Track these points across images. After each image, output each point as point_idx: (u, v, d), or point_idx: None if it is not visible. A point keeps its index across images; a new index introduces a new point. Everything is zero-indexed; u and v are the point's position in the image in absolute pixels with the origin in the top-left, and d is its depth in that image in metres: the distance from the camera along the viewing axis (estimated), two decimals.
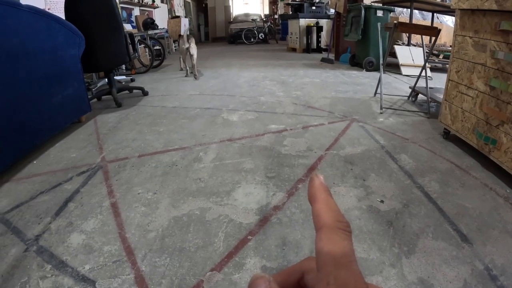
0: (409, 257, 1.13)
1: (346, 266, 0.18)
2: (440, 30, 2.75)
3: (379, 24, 3.29)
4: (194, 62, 4.75)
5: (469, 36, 1.96)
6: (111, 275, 1.09)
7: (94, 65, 3.21)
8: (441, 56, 5.48)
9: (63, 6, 2.94)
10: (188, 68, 5.21)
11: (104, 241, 1.27)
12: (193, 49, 4.69)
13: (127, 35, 3.38)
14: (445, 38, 7.18)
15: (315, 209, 0.21)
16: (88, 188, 1.67)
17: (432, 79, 4.38)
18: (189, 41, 4.75)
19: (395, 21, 2.85)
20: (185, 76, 5.06)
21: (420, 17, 8.37)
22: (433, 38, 2.76)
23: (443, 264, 1.10)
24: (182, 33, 5.84)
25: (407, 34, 5.96)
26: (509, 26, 1.60)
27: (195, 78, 4.79)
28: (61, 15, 2.88)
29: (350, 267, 0.18)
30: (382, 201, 1.47)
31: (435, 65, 5.10)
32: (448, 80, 2.17)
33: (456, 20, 2.10)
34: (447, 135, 2.22)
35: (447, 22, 8.17)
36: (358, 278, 0.18)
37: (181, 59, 5.40)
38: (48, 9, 4.61)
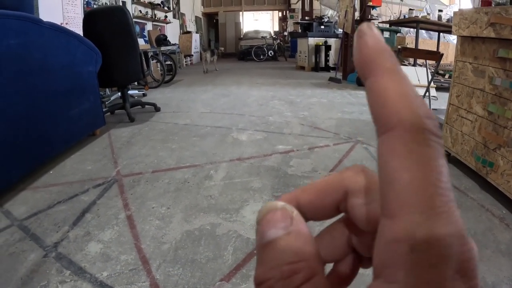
0: None
1: (445, 213, 0.11)
2: (442, 54, 2.86)
3: None
4: (215, 64, 8.69)
5: (469, 62, 2.06)
6: (127, 282, 1.19)
7: (110, 81, 3.38)
8: (446, 76, 5.57)
9: (80, 21, 3.12)
10: (207, 68, 8.34)
11: (121, 250, 1.37)
12: (215, 59, 8.59)
13: (142, 53, 3.54)
14: (452, 58, 7.27)
15: (379, 87, 0.13)
16: (104, 201, 1.79)
17: (437, 99, 4.47)
18: (211, 55, 8.39)
19: (399, 46, 2.97)
20: (204, 73, 8.13)
21: (427, 37, 8.50)
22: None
23: None
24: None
25: None
26: (506, 54, 1.69)
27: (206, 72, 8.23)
28: (78, 30, 3.06)
29: (452, 213, 0.11)
30: None
31: (441, 85, 5.19)
32: (449, 104, 2.26)
33: (456, 46, 2.20)
34: (448, 157, 2.30)
35: (454, 41, 8.27)
36: (463, 234, 0.11)
37: (204, 64, 8.37)
38: (66, 24, 4.82)
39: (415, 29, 5.48)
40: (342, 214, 0.16)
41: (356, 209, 0.15)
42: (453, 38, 8.22)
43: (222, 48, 10.83)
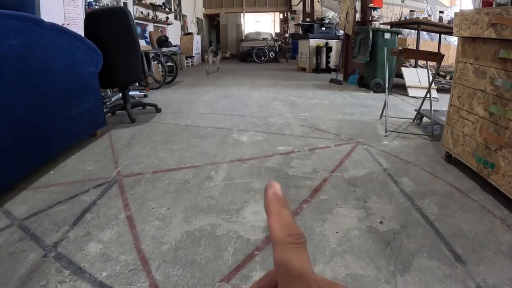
0: (404, 275, 1.21)
1: (300, 278, 0.19)
2: (443, 56, 2.85)
3: (385, 48, 3.41)
4: (217, 64, 9.00)
5: (470, 63, 2.05)
6: (127, 282, 1.19)
7: (111, 82, 3.38)
8: (447, 77, 5.57)
9: (81, 22, 3.12)
10: (207, 68, 8.56)
11: (121, 250, 1.37)
12: (217, 60, 8.91)
13: (143, 54, 3.54)
14: (453, 59, 7.27)
15: (269, 223, 0.22)
16: (104, 201, 1.79)
17: (438, 100, 4.47)
18: (214, 56, 8.73)
19: (400, 47, 2.97)
20: (207, 74, 8.32)
21: (428, 38, 8.50)
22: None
23: (436, 282, 1.18)
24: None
25: None
26: (507, 54, 1.69)
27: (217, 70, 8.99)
28: (79, 30, 3.06)
29: (304, 277, 0.19)
30: (381, 222, 1.56)
31: (442, 86, 5.19)
32: (450, 105, 2.26)
33: (457, 47, 2.19)
34: (449, 158, 2.30)
35: (455, 42, 8.27)
36: (312, 286, 0.20)
37: (208, 64, 8.57)
38: (67, 24, 4.84)
39: (416, 31, 5.48)
40: None
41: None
42: (454, 40, 8.22)
43: (229, 52, 10.89)
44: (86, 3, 5.43)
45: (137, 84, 5.65)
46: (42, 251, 1.36)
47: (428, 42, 8.17)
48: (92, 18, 3.15)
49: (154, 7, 8.66)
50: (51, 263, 1.29)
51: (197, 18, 14.44)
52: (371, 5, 6.41)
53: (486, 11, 1.82)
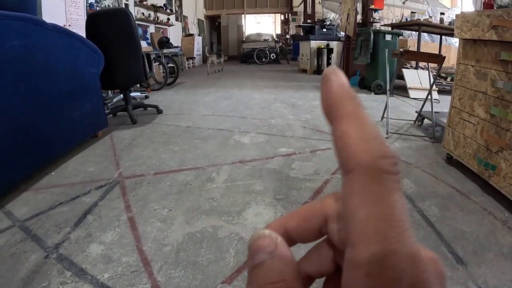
0: None
1: (398, 242, 0.12)
2: (444, 57, 2.85)
3: (386, 50, 3.41)
4: (221, 65, 9.30)
5: (471, 65, 2.06)
6: (129, 283, 1.19)
7: (112, 83, 3.39)
8: (448, 79, 5.57)
9: (83, 23, 3.13)
10: (217, 70, 9.16)
11: (122, 252, 1.37)
12: (220, 61, 9.00)
13: (144, 55, 3.55)
14: (454, 61, 7.27)
15: (340, 133, 0.14)
16: (106, 202, 1.79)
17: (439, 102, 4.47)
18: (218, 58, 8.92)
19: (401, 49, 2.97)
20: (207, 75, 8.52)
21: (429, 40, 8.50)
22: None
23: None
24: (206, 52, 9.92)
25: None
26: (508, 56, 1.69)
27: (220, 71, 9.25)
28: (81, 32, 3.07)
29: (404, 242, 0.12)
30: None
31: (443, 88, 5.19)
32: (451, 107, 2.26)
33: (459, 49, 2.20)
34: (450, 160, 2.30)
35: (456, 44, 8.27)
36: (415, 259, 0.12)
37: (208, 66, 8.88)
38: (69, 25, 4.84)
39: (417, 32, 5.48)
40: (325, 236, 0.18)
41: (333, 234, 0.16)
42: (455, 41, 8.23)
43: (226, 56, 11.13)
44: (88, 4, 5.44)
45: (138, 85, 5.67)
46: (44, 252, 1.36)
47: (429, 43, 8.17)
48: (94, 19, 3.16)
49: (155, 8, 8.67)
50: (52, 264, 1.30)
51: (198, 19, 14.46)
52: (372, 6, 6.41)
53: (487, 13, 1.82)
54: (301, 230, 0.17)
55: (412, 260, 0.12)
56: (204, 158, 2.41)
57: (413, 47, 6.89)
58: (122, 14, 3.19)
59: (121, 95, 4.36)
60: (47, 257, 1.34)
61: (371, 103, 4.51)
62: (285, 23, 17.54)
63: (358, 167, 0.13)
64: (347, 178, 0.13)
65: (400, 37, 5.79)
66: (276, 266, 0.15)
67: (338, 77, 0.15)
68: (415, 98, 4.78)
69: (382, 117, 3.51)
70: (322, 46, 8.15)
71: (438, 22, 5.47)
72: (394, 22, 7.55)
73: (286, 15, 17.12)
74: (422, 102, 3.21)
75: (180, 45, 10.18)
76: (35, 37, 2.04)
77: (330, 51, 8.27)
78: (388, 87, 3.17)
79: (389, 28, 5.85)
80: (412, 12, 5.91)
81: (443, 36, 6.39)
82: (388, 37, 5.22)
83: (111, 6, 6.29)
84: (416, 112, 3.39)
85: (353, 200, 0.13)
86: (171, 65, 7.04)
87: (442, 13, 5.79)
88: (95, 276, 1.23)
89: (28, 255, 1.34)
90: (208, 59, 8.90)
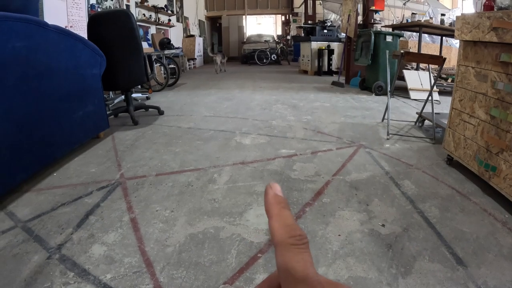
0: (406, 277, 1.22)
1: (303, 280, 0.19)
2: (445, 59, 2.86)
3: (387, 51, 3.42)
4: (224, 65, 9.90)
5: (472, 67, 2.06)
6: (131, 284, 1.20)
7: (114, 84, 3.40)
8: (449, 80, 5.57)
9: (84, 24, 3.14)
10: (219, 69, 9.51)
11: (125, 253, 1.38)
12: (224, 61, 9.69)
13: (146, 56, 3.56)
14: (454, 62, 7.27)
15: (270, 225, 0.21)
16: (108, 203, 1.80)
17: (440, 103, 4.48)
18: (223, 58, 9.62)
19: (402, 51, 2.98)
20: (216, 73, 9.17)
21: (430, 41, 8.50)
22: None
23: (437, 285, 1.19)
24: (209, 52, 10.54)
25: None
26: (508, 58, 1.70)
27: (224, 71, 9.82)
28: (82, 33, 3.08)
29: (307, 280, 0.19)
30: (383, 225, 1.57)
31: (443, 89, 5.19)
32: (452, 108, 2.27)
33: (459, 51, 2.20)
34: (450, 161, 2.31)
35: (456, 45, 8.27)
36: None
37: (216, 65, 9.38)
38: (70, 27, 4.86)
39: (418, 33, 5.49)
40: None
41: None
42: (455, 42, 8.23)
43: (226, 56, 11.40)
44: (89, 6, 5.46)
45: (139, 86, 5.68)
46: (46, 253, 1.37)
47: (430, 44, 8.17)
48: (95, 20, 3.17)
49: (156, 9, 8.69)
50: (55, 265, 1.30)
51: (199, 20, 14.48)
52: (373, 7, 6.43)
53: (487, 15, 1.83)
54: None
55: None
56: (205, 159, 2.42)
57: (414, 48, 6.89)
58: (123, 15, 3.20)
59: (123, 96, 4.39)
60: (50, 257, 1.34)
61: (372, 104, 4.52)
62: (286, 24, 17.59)
63: (277, 243, 0.20)
64: (275, 250, 0.20)
65: (401, 38, 5.79)
66: None
67: (272, 190, 0.23)
68: (415, 99, 4.79)
69: (383, 118, 3.52)
70: (323, 47, 8.16)
71: (439, 23, 5.48)
72: (394, 23, 7.56)
73: (287, 16, 17.17)
74: (423, 103, 3.21)
75: (181, 46, 10.21)
76: (37, 39, 2.05)
77: (331, 52, 8.28)
78: (389, 88, 3.18)
79: (390, 29, 5.86)
80: (412, 13, 5.92)
81: (443, 37, 6.39)
82: (389, 38, 5.23)
83: (112, 7, 6.30)
84: (416, 113, 3.40)
85: (277, 261, 0.20)
86: (172, 66, 7.05)
87: (442, 14, 5.80)
88: (97, 276, 1.24)
89: (31, 256, 1.35)
90: (214, 59, 9.47)
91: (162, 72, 6.47)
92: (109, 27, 3.16)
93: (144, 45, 6.90)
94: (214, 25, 17.73)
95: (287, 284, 0.19)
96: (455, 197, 1.85)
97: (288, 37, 16.57)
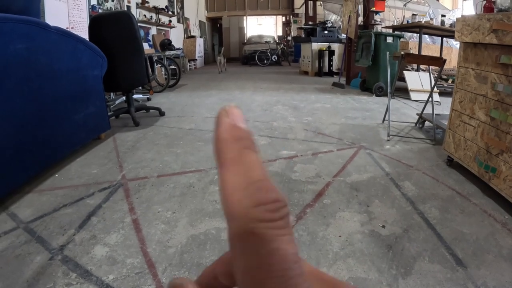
0: (406, 278, 1.23)
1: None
2: (445, 60, 2.87)
3: (387, 52, 3.43)
4: (224, 66, 10.06)
5: (472, 68, 2.07)
6: (133, 285, 1.21)
7: (115, 85, 3.40)
8: (450, 81, 5.58)
9: (85, 26, 3.14)
10: (221, 69, 9.85)
11: (127, 254, 1.39)
12: (223, 60, 9.84)
13: (147, 58, 3.57)
14: (455, 62, 7.27)
15: (221, 181, 0.14)
16: (109, 204, 1.81)
17: (440, 104, 4.48)
18: (224, 58, 9.95)
19: (402, 52, 2.99)
20: (219, 73, 9.69)
21: (430, 42, 8.52)
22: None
23: (437, 285, 1.19)
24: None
25: None
26: (508, 60, 1.71)
27: (225, 70, 10.12)
28: (83, 34, 3.09)
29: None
30: (383, 226, 1.58)
31: (444, 89, 5.20)
32: (452, 109, 2.28)
33: (459, 52, 2.21)
34: (451, 163, 2.32)
35: (457, 46, 8.27)
36: None
37: (219, 65, 9.82)
38: (72, 28, 4.87)
39: (419, 34, 5.50)
40: None
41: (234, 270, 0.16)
42: (456, 43, 8.23)
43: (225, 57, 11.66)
44: (90, 7, 5.48)
45: (140, 87, 5.69)
46: (49, 254, 1.38)
47: (430, 45, 8.19)
48: (97, 22, 3.18)
49: (157, 10, 8.71)
50: (57, 266, 1.31)
51: (200, 21, 14.50)
52: (373, 8, 6.44)
53: (487, 16, 1.84)
54: (227, 274, 0.17)
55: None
56: (206, 161, 2.43)
57: (414, 49, 6.91)
58: (125, 17, 3.21)
59: (124, 97, 4.40)
60: (52, 258, 1.35)
61: (372, 105, 4.53)
62: (286, 24, 17.59)
63: (231, 220, 0.13)
64: (228, 232, 0.13)
65: (401, 39, 5.80)
66: None
67: (229, 118, 0.15)
68: (416, 100, 4.79)
69: (384, 120, 3.53)
70: (324, 48, 8.16)
71: (439, 24, 5.49)
72: (395, 24, 7.57)
73: (288, 16, 17.17)
74: (423, 104, 3.22)
75: (182, 47, 10.22)
76: (38, 40, 2.06)
77: (331, 53, 8.29)
78: (389, 90, 3.19)
79: (390, 30, 5.87)
80: (413, 14, 5.93)
81: (444, 38, 6.40)
82: (389, 39, 5.23)
83: (113, 8, 6.32)
84: (417, 114, 3.40)
85: (233, 252, 0.13)
86: (173, 67, 7.06)
87: (443, 15, 5.81)
88: (100, 277, 1.25)
89: (33, 257, 1.36)
90: (217, 59, 9.97)
91: (163, 73, 6.48)
92: (110, 29, 3.17)
93: (145, 46, 6.91)
94: (214, 26, 17.75)
95: (249, 284, 0.12)
96: (455, 198, 1.86)
97: (289, 38, 16.58)
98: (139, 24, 6.47)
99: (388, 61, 3.32)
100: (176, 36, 10.64)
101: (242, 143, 0.14)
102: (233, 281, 0.17)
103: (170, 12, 9.92)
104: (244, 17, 16.60)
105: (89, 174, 2.21)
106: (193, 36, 11.91)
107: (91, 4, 5.52)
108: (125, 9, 6.82)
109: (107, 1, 6.11)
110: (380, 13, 7.22)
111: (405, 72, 5.21)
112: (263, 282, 0.12)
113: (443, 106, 4.30)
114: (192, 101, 4.98)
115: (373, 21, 6.60)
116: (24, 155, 1.92)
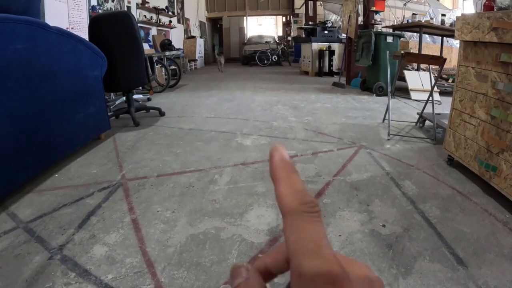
0: (406, 277, 1.23)
1: (315, 253, 0.17)
2: (445, 59, 2.86)
3: (388, 52, 3.42)
4: (222, 65, 10.33)
5: (472, 67, 2.07)
6: (132, 284, 1.20)
7: (115, 86, 3.40)
8: (450, 80, 5.57)
9: (85, 26, 3.14)
10: (221, 69, 10.19)
11: (126, 253, 1.38)
12: (222, 61, 10.29)
13: (147, 58, 3.57)
14: (455, 62, 7.25)
15: (277, 192, 0.20)
16: (109, 204, 1.81)
17: (440, 103, 4.47)
18: (223, 58, 10.30)
19: (402, 51, 2.98)
20: (218, 70, 10.35)
21: (431, 41, 8.50)
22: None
23: (437, 285, 1.19)
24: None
25: None
26: (508, 58, 1.70)
27: (222, 71, 10.20)
28: (83, 34, 3.08)
29: (320, 253, 0.17)
30: (384, 226, 1.57)
31: (444, 89, 5.19)
32: (452, 108, 2.27)
33: (459, 51, 2.20)
34: (451, 162, 2.31)
35: (457, 45, 8.25)
36: (331, 263, 0.17)
37: (219, 65, 10.27)
38: (72, 28, 4.87)
39: (419, 34, 5.49)
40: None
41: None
42: (456, 43, 8.21)
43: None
44: (90, 7, 5.48)
45: (140, 87, 5.69)
46: (48, 254, 1.38)
47: (431, 45, 8.17)
48: (97, 22, 3.18)
49: (157, 10, 8.71)
50: (56, 265, 1.31)
51: (200, 21, 14.50)
52: (373, 8, 6.44)
53: (487, 15, 1.83)
54: (276, 263, 0.22)
55: (329, 266, 0.17)
56: (206, 160, 2.43)
57: (414, 49, 6.90)
58: (125, 17, 3.21)
59: (124, 98, 4.40)
60: (51, 258, 1.35)
61: (373, 105, 4.52)
62: (286, 25, 17.58)
63: (287, 212, 0.19)
64: (284, 220, 0.19)
65: (402, 39, 5.80)
66: (249, 286, 0.20)
67: (278, 153, 0.21)
68: (416, 100, 4.79)
69: (384, 119, 3.52)
70: (324, 48, 8.16)
71: (439, 24, 5.48)
72: (395, 23, 7.57)
73: (288, 17, 17.16)
74: (424, 103, 3.21)
75: (182, 47, 10.22)
76: (38, 41, 2.06)
77: (331, 53, 8.28)
78: (389, 89, 3.18)
79: (391, 30, 5.86)
80: (413, 14, 5.93)
81: (444, 38, 6.39)
82: (390, 39, 5.23)
83: (113, 8, 6.32)
84: (417, 113, 3.40)
85: (286, 232, 0.19)
86: (173, 67, 7.07)
87: (443, 15, 5.80)
88: (99, 277, 1.25)
89: (32, 256, 1.36)
90: (218, 60, 10.34)
91: (163, 73, 6.48)
92: (111, 29, 3.17)
93: (145, 46, 6.91)
94: (215, 26, 17.75)
95: (296, 257, 0.18)
96: (455, 198, 1.85)
97: (289, 38, 16.58)
98: (139, 24, 6.48)
99: (388, 60, 3.31)
100: (176, 37, 10.64)
101: (288, 168, 0.21)
102: (280, 268, 0.22)
103: (170, 13, 9.93)
104: (244, 18, 16.60)
105: (89, 174, 2.21)
106: (194, 37, 11.91)
107: (91, 4, 5.52)
108: (125, 9, 6.82)
109: (107, 2, 6.11)
110: (380, 13, 7.21)
111: (406, 72, 5.21)
112: (305, 249, 0.18)
113: (444, 106, 4.29)
114: (192, 101, 4.98)
115: (373, 20, 6.59)
116: (24, 155, 1.92)
